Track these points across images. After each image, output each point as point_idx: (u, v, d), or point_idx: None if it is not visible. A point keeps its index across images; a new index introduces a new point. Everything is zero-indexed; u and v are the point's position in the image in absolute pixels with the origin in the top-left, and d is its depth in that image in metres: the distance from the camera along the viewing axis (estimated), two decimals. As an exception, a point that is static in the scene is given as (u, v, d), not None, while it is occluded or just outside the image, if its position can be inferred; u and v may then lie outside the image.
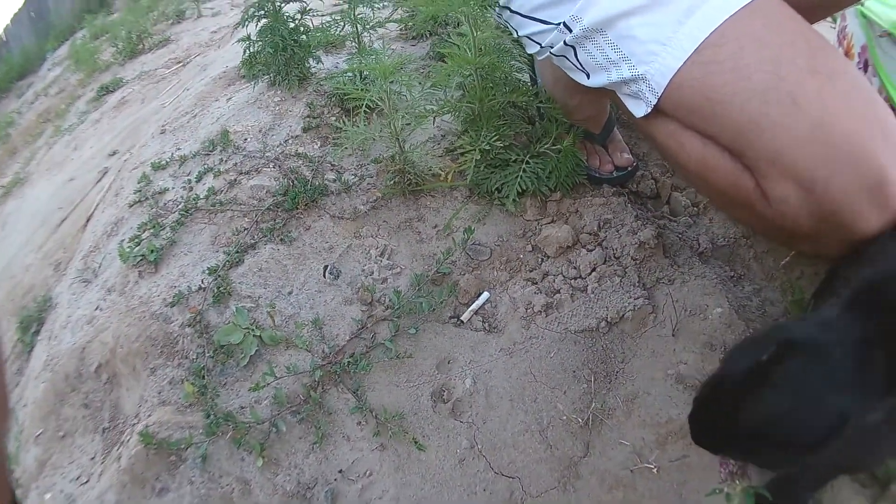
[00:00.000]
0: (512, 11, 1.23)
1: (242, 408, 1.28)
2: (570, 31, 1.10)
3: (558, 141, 1.47)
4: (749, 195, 0.98)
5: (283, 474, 1.21)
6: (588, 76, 1.13)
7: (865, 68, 1.72)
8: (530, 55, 1.57)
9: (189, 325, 1.39)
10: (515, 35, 1.28)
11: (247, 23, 1.80)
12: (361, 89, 1.48)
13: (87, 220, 1.77)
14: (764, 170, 0.94)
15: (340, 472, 1.21)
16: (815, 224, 0.93)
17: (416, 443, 1.21)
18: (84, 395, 1.42)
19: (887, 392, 0.71)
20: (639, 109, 1.06)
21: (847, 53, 1.78)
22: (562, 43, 1.12)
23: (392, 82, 1.43)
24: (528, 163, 1.46)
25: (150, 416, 1.30)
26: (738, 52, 0.94)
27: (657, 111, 1.04)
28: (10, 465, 1.42)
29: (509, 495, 1.16)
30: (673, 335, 1.29)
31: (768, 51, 0.93)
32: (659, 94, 1.00)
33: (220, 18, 2.49)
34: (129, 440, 1.29)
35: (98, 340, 1.45)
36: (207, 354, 1.35)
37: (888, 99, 1.61)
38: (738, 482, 0.79)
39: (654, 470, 1.17)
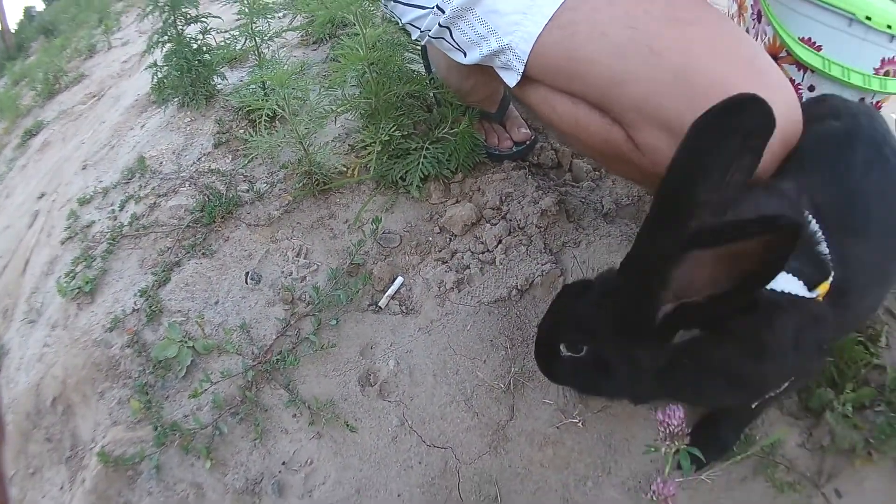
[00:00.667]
0: (394, 1, 1.28)
1: (186, 416, 1.34)
2: (443, 12, 1.15)
3: (455, 125, 1.53)
4: (622, 148, 1.02)
5: (231, 473, 1.27)
6: (465, 54, 1.19)
7: (759, 19, 1.78)
8: (423, 46, 1.62)
9: (128, 346, 1.44)
10: (400, 24, 1.33)
11: (152, 49, 1.84)
12: (263, 99, 1.53)
13: (26, 264, 1.81)
14: (631, 121, 0.98)
15: (284, 464, 1.27)
16: None
17: (348, 426, 1.28)
18: (45, 429, 1.46)
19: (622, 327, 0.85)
20: (510, 79, 1.12)
21: (740, 7, 1.83)
22: (437, 25, 1.18)
23: (291, 88, 1.48)
24: (428, 149, 1.52)
25: (104, 437, 1.35)
26: (593, 11, 0.98)
27: (527, 79, 1.09)
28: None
29: (444, 465, 1.23)
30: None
31: (621, 6, 0.97)
32: (525, 61, 1.06)
33: (129, 47, 2.50)
34: (89, 463, 1.34)
35: (49, 375, 1.49)
36: (148, 371, 1.40)
37: (783, 45, 1.66)
38: (675, 442, 0.81)
39: (580, 424, 1.24)
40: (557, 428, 1.24)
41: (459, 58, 1.22)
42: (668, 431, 0.81)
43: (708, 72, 0.90)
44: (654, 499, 0.78)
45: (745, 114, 0.73)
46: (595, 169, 1.61)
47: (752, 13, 1.82)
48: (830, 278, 0.86)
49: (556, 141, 1.66)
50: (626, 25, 0.95)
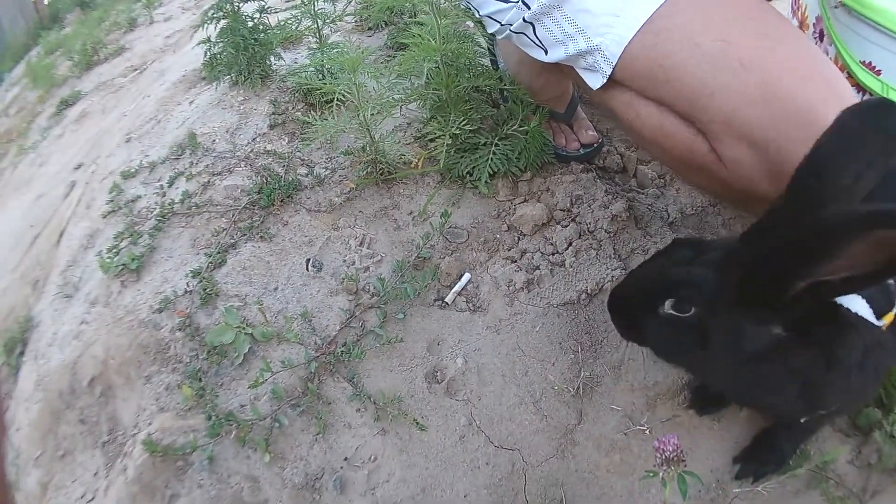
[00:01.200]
0: None
1: (242, 406, 1.29)
2: (529, 7, 1.12)
3: (525, 122, 1.49)
4: (705, 159, 1.01)
5: (290, 468, 1.23)
6: (546, 52, 1.16)
7: (821, 38, 1.77)
8: (490, 40, 1.59)
9: (179, 330, 1.38)
10: (477, 15, 1.29)
11: (206, 24, 1.78)
12: (328, 83, 1.48)
13: (61, 236, 1.73)
14: (717, 133, 0.97)
15: (346, 459, 1.23)
16: (771, 184, 0.96)
17: (416, 424, 1.24)
18: (79, 410, 1.40)
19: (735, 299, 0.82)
20: (595, 81, 1.09)
21: (801, 25, 1.83)
22: (521, 20, 1.14)
23: (360, 74, 1.44)
24: (496, 145, 1.49)
25: (150, 423, 1.30)
26: (689, 20, 0.97)
27: (613, 82, 1.07)
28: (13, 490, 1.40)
29: (511, 467, 1.20)
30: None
31: (718, 18, 0.96)
32: (613, 64, 1.03)
33: (172, 23, 2.42)
34: (132, 451, 1.29)
35: (88, 354, 1.43)
36: (201, 357, 1.35)
37: (844, 67, 1.66)
38: (673, 467, 0.81)
39: (647, 431, 1.22)
40: (625, 434, 1.22)
41: (539, 55, 1.19)
42: (664, 457, 0.81)
43: (792, 92, 0.90)
44: None
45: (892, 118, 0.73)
46: (660, 176, 1.59)
47: (815, 31, 1.82)
48: None
49: (621, 145, 1.64)
50: (719, 37, 0.95)
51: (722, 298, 0.82)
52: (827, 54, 1.72)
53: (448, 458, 1.22)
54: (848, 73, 1.67)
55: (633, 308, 0.94)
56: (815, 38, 1.80)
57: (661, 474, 0.81)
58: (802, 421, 1.11)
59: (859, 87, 1.66)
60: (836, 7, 1.68)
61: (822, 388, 0.90)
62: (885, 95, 1.62)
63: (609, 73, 1.05)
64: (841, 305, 0.88)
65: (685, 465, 0.82)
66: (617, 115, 1.15)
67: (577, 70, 1.12)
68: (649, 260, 0.96)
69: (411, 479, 1.20)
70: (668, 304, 0.86)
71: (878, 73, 1.65)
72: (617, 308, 0.97)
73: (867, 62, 1.65)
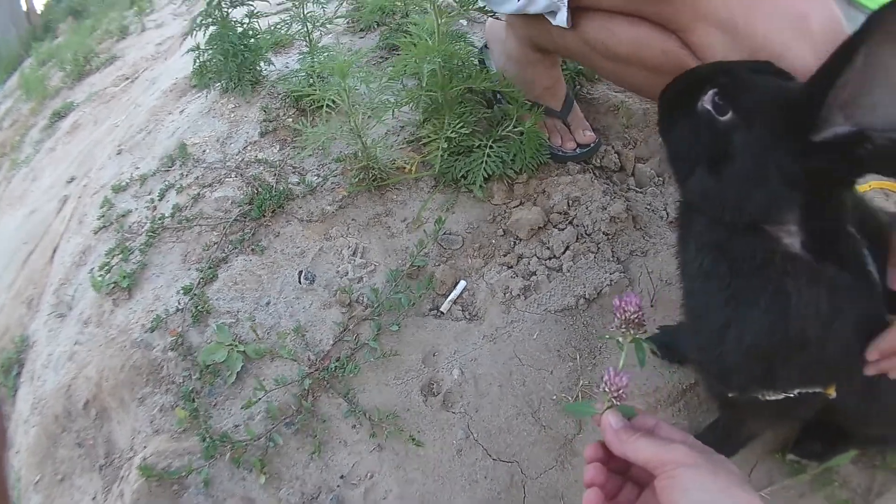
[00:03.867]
0: None
1: (237, 426, 1.24)
2: None
3: (520, 123, 1.42)
4: (679, 57, 0.99)
5: (286, 488, 1.18)
6: None
7: None
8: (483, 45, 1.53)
9: (171, 349, 1.33)
10: None
11: (195, 32, 1.71)
12: (318, 89, 1.41)
13: (54, 252, 1.68)
14: (686, 23, 0.95)
15: (342, 477, 1.18)
16: None
17: (412, 439, 1.19)
18: (76, 434, 1.36)
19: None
20: (562, 16, 1.10)
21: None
22: None
23: (351, 79, 1.37)
24: (491, 147, 1.42)
25: (145, 447, 1.26)
26: None
27: (582, 13, 1.08)
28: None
29: (510, 479, 1.15)
30: (651, 306, 1.28)
31: None
32: None
33: (163, 30, 2.36)
34: (128, 475, 1.25)
35: (82, 376, 1.39)
36: (194, 376, 1.30)
37: None
38: (631, 331, 0.72)
39: (648, 440, 1.17)
40: (625, 443, 1.16)
41: (511, 5, 1.18)
42: (623, 318, 0.72)
43: None
44: (606, 390, 0.69)
45: None
46: (658, 175, 1.51)
47: None
48: None
49: (619, 143, 1.56)
50: None
51: (762, 115, 0.70)
52: None
53: (446, 472, 1.17)
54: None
55: (678, 97, 0.82)
56: None
57: (618, 338, 0.73)
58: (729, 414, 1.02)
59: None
60: None
61: (797, 353, 0.74)
62: None
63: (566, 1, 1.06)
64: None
65: (646, 330, 0.73)
66: (592, 44, 1.13)
67: (548, 17, 1.13)
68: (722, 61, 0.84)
69: (409, 495, 1.16)
70: (708, 94, 0.74)
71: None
72: (664, 95, 0.85)
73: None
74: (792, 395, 0.79)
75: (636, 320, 0.71)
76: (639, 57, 1.07)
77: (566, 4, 1.08)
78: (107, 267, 1.49)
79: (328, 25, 1.71)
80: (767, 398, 0.81)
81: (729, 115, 0.72)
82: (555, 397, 1.21)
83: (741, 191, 0.71)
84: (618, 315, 0.72)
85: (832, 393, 0.79)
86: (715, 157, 0.73)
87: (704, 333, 0.81)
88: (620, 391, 0.69)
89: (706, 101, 0.74)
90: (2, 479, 0.61)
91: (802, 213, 0.69)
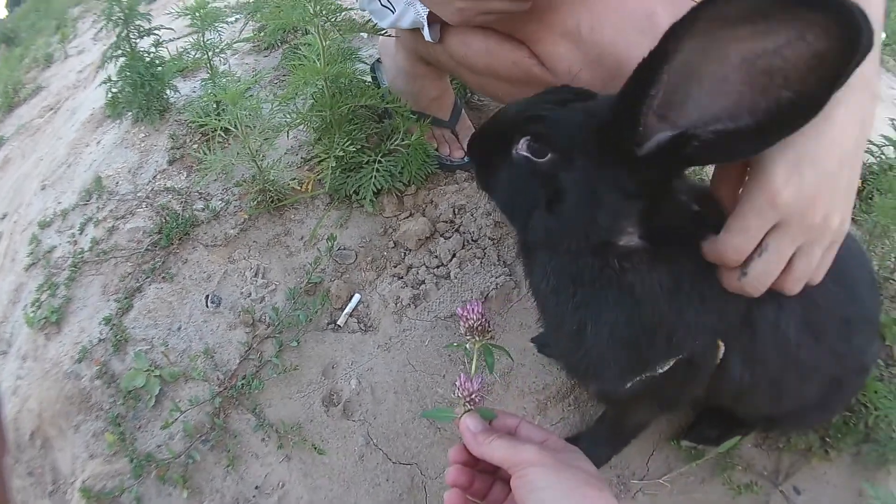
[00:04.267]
0: None
1: (159, 446, 1.33)
2: None
3: (407, 136, 1.47)
4: (529, 66, 1.04)
5: (208, 500, 1.27)
6: (393, 10, 1.21)
7: None
8: (374, 61, 1.56)
9: (97, 378, 1.42)
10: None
11: (106, 64, 1.76)
12: (217, 115, 1.47)
13: (-8, 290, 1.76)
14: (533, 35, 1.00)
15: (257, 488, 1.27)
16: (592, 75, 0.96)
17: (316, 448, 1.27)
18: (26, 464, 1.45)
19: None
20: (427, 32, 1.14)
21: None
22: None
23: (243, 108, 1.42)
24: (380, 162, 1.47)
25: (84, 471, 1.35)
26: None
27: (448, 29, 1.13)
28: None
29: (411, 481, 1.23)
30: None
31: None
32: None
33: (84, 56, 2.37)
34: (72, 499, 1.34)
35: (26, 409, 1.48)
36: (119, 402, 1.39)
37: None
38: (478, 336, 0.74)
39: (539, 433, 1.25)
40: (518, 438, 1.24)
41: (388, 18, 1.24)
42: (468, 325, 0.74)
43: None
44: (458, 395, 0.72)
45: None
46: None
47: None
48: None
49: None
50: None
51: (581, 147, 0.70)
52: None
53: (350, 478, 1.26)
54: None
55: (489, 149, 0.81)
56: None
57: (467, 346, 0.75)
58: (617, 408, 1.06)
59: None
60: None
61: (653, 332, 0.75)
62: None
63: (425, 14, 1.10)
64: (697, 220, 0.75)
65: (492, 336, 0.76)
66: (454, 57, 1.18)
67: (423, 31, 1.17)
68: (530, 98, 0.81)
69: (318, 501, 1.24)
70: (522, 143, 0.74)
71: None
72: (474, 149, 0.84)
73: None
74: (665, 370, 0.79)
75: (480, 327, 0.74)
76: (492, 69, 1.10)
77: (426, 20, 1.12)
78: (37, 303, 1.57)
79: (234, 46, 1.74)
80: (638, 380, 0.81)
81: (548, 157, 0.72)
82: (448, 400, 1.29)
83: (583, 222, 0.72)
84: (462, 323, 0.74)
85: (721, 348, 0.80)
86: (548, 198, 0.73)
87: (564, 341, 0.84)
88: (473, 395, 0.72)
89: (521, 150, 0.74)
90: (2, 483, 0.66)
91: (641, 214, 0.71)
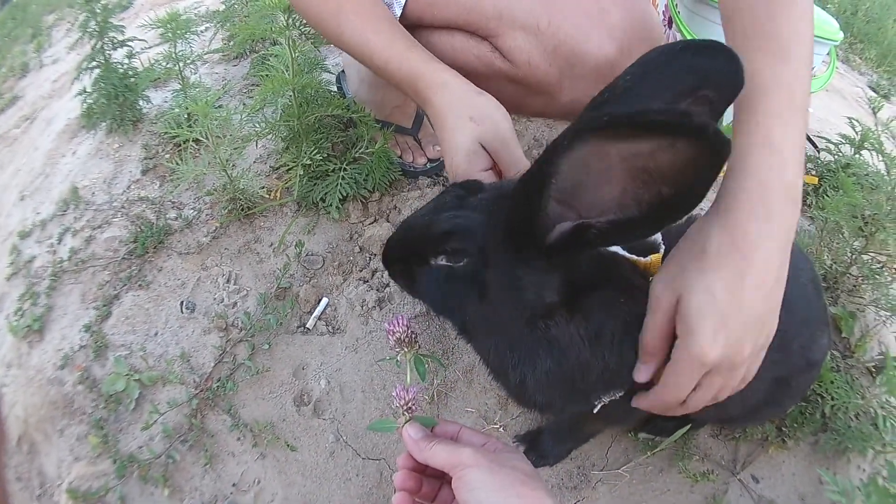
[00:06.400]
0: None
1: (140, 447, 1.37)
2: None
3: (372, 144, 1.50)
4: (490, 60, 1.11)
5: (188, 499, 1.31)
6: None
7: (669, 25, 1.73)
8: (339, 72, 1.58)
9: (80, 383, 1.45)
10: None
11: (81, 75, 1.77)
12: (189, 126, 1.49)
13: (-25, 300, 1.78)
14: (494, 29, 1.07)
15: (234, 485, 1.32)
16: (551, 64, 1.05)
17: (288, 446, 1.32)
18: (14, 469, 1.48)
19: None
20: None
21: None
22: None
23: (213, 119, 1.44)
24: (345, 170, 1.50)
25: (69, 473, 1.39)
26: None
27: (413, 29, 1.14)
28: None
29: (380, 476, 1.28)
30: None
31: None
32: (403, 4, 1.12)
33: (59, 65, 2.37)
34: (60, 500, 1.38)
35: (12, 415, 1.50)
36: (101, 406, 1.42)
37: None
38: (406, 349, 0.78)
39: (501, 429, 1.30)
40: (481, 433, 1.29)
41: None
42: (396, 339, 0.78)
43: None
44: (397, 405, 0.77)
45: (706, 58, 0.66)
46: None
47: (664, 19, 1.77)
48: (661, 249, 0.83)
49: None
50: None
51: (493, 244, 0.75)
52: (675, 40, 1.69)
53: (321, 473, 1.30)
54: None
55: (407, 262, 0.86)
56: (665, 24, 1.76)
57: (396, 357, 0.79)
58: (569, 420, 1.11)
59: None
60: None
61: (581, 373, 0.80)
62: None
63: (399, 13, 1.13)
64: (616, 268, 0.80)
65: (420, 347, 0.80)
66: None
67: None
68: (433, 201, 0.88)
69: (293, 497, 1.29)
70: (440, 257, 0.80)
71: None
72: (391, 262, 0.90)
73: (714, 46, 1.62)
74: (604, 403, 0.85)
75: (407, 339, 0.78)
76: (457, 64, 1.12)
77: (400, 12, 1.15)
78: (20, 312, 1.60)
79: (204, 57, 1.76)
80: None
81: (465, 261, 0.77)
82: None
83: (511, 305, 0.77)
84: (390, 337, 0.78)
85: None
86: (476, 292, 0.78)
87: (513, 392, 0.90)
88: (410, 403, 0.77)
89: (440, 261, 0.80)
90: (2, 480, 0.68)
91: (561, 280, 0.76)
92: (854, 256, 1.46)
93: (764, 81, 0.71)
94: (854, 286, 1.50)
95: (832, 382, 1.28)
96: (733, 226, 0.68)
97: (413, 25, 1.16)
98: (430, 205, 0.86)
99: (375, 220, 1.52)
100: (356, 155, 1.51)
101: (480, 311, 0.79)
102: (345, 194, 1.50)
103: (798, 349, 0.97)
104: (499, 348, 0.83)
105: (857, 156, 1.64)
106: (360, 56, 1.07)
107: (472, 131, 0.93)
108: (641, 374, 0.77)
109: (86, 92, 1.78)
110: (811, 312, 1.00)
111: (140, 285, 1.52)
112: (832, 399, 1.28)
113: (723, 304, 0.66)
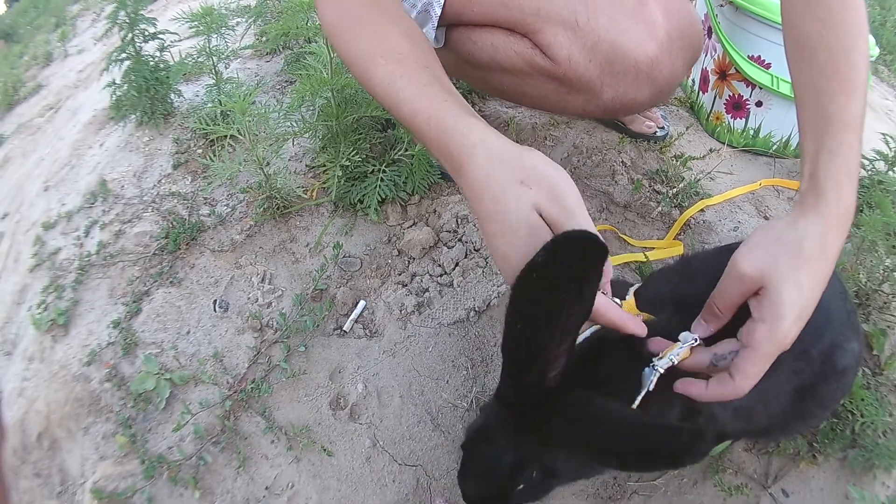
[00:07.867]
0: None
1: (170, 448, 1.33)
2: None
3: (411, 146, 1.47)
4: (531, 55, 1.08)
5: (219, 501, 1.27)
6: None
7: (709, 35, 1.72)
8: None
9: (107, 381, 1.41)
10: None
11: (110, 67, 1.72)
12: (223, 122, 1.45)
13: (-5, 289, 1.73)
14: (533, 26, 1.05)
15: (267, 488, 1.28)
16: (590, 60, 1.03)
17: (324, 450, 1.28)
18: (33, 465, 1.44)
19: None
20: (432, 35, 1.16)
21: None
22: None
23: (250, 116, 1.40)
24: (384, 171, 1.47)
25: (94, 472, 1.34)
26: None
27: (452, 29, 1.15)
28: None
29: (416, 482, 1.25)
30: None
31: None
32: (443, 3, 1.10)
33: (85, 56, 2.31)
34: (82, 499, 1.34)
35: (33, 410, 1.46)
36: (129, 405, 1.38)
37: (731, 63, 1.62)
38: None
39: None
40: (518, 441, 1.26)
41: None
42: None
43: None
44: None
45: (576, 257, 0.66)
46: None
47: (703, 29, 1.76)
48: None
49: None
50: None
51: (533, 457, 0.84)
52: (715, 51, 1.68)
53: (357, 479, 1.27)
54: (735, 69, 1.63)
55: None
56: (704, 35, 1.75)
57: None
58: None
59: (748, 81, 1.62)
60: (722, 6, 1.63)
61: None
62: (774, 88, 1.59)
63: (439, 13, 1.11)
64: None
65: None
66: (459, 55, 1.20)
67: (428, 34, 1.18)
68: (471, 466, 0.96)
69: (327, 501, 1.26)
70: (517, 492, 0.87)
71: (768, 66, 1.61)
72: None
73: (756, 56, 1.62)
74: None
75: None
76: (496, 61, 1.13)
77: (435, 25, 1.13)
78: (43, 305, 1.55)
79: (231, 58, 1.72)
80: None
81: (534, 474, 0.86)
82: (451, 404, 1.31)
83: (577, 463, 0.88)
84: None
85: None
86: (552, 479, 0.88)
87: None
88: None
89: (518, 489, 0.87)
90: (1, 476, 0.65)
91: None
92: (886, 274, 1.45)
93: (848, 118, 0.79)
94: (885, 303, 1.49)
95: (862, 400, 1.28)
96: (824, 234, 0.76)
97: (453, 24, 1.15)
98: (474, 466, 0.95)
99: (414, 224, 1.48)
100: (395, 157, 1.48)
101: (564, 478, 0.91)
102: (383, 196, 1.46)
103: (817, 355, 0.96)
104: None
105: (889, 172, 1.63)
106: (388, 104, 0.87)
107: (529, 199, 0.70)
108: (701, 329, 0.81)
109: (115, 84, 1.74)
110: (832, 318, 0.99)
111: (171, 282, 1.47)
112: (861, 416, 1.27)
113: (805, 300, 0.73)
